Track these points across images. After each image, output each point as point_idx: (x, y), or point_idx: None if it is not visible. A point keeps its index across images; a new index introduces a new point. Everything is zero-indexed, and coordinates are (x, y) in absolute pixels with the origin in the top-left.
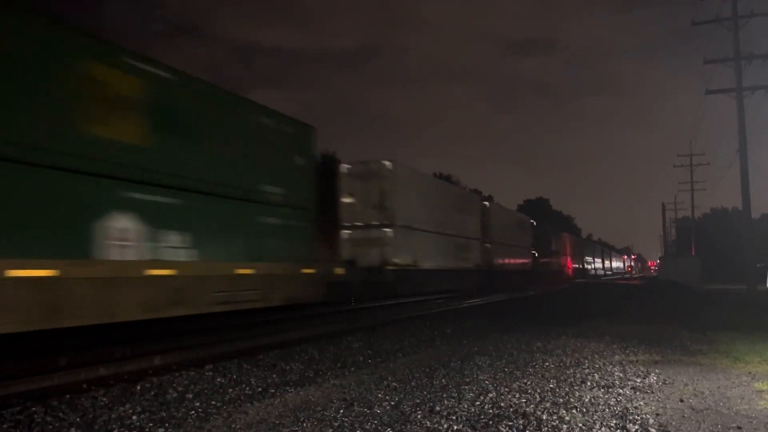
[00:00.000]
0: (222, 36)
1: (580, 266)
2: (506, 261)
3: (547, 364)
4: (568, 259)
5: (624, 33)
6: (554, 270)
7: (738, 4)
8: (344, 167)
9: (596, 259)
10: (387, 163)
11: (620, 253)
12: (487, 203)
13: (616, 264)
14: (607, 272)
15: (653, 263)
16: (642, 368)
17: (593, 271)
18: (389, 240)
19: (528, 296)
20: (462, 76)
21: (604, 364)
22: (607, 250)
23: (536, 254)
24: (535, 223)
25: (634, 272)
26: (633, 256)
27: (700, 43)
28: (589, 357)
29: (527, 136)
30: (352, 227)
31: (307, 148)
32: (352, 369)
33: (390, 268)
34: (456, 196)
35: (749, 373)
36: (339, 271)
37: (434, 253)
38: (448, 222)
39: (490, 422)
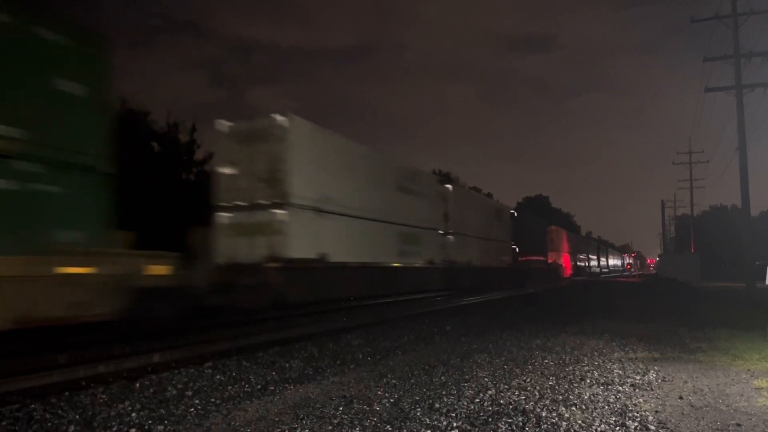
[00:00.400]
0: (219, 32)
1: (579, 264)
2: (474, 257)
3: (547, 361)
4: (565, 256)
5: (622, 30)
6: (543, 268)
7: (738, 2)
8: (223, 125)
9: (595, 257)
10: (280, 117)
11: (619, 250)
12: (449, 186)
13: (615, 261)
14: (606, 270)
15: (652, 261)
16: (641, 365)
17: (592, 269)
18: (281, 225)
19: (527, 294)
20: (460, 74)
21: (603, 361)
22: (606, 248)
23: (518, 250)
24: (515, 214)
25: (633, 270)
26: (632, 254)
27: (699, 40)
28: (589, 354)
29: (526, 134)
30: (233, 208)
31: (94, 71)
32: (352, 366)
33: (274, 265)
34: (399, 171)
35: (748, 370)
36: (156, 270)
37: (357, 244)
38: (384, 204)
39: (490, 419)
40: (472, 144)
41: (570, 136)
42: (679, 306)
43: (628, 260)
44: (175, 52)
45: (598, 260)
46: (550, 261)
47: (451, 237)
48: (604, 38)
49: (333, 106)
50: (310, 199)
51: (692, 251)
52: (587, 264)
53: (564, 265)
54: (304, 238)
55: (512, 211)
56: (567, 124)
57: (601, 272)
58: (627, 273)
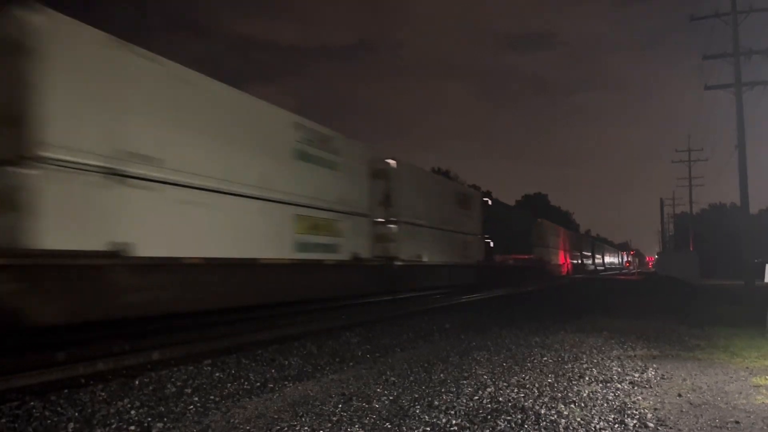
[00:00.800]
0: (217, 29)
1: (577, 261)
2: (428, 252)
3: (546, 359)
4: (561, 253)
5: (622, 27)
6: (526, 267)
7: (737, 0)
8: None
9: (593, 254)
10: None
11: (618, 248)
12: (392, 161)
13: (614, 259)
14: (605, 267)
15: (651, 258)
16: (640, 363)
17: (591, 267)
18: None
19: (526, 292)
20: (459, 71)
21: (602, 359)
22: (604, 246)
23: (492, 245)
24: (489, 202)
25: (632, 268)
26: (631, 252)
27: (698, 37)
28: (588, 352)
29: (525, 132)
30: None
31: None
32: (351, 364)
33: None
34: (301, 132)
35: (747, 368)
36: None
37: (201, 230)
38: (270, 176)
39: (489, 417)
40: (470, 141)
41: (569, 133)
42: (677, 304)
43: (626, 258)
44: (174, 49)
45: (596, 258)
46: (536, 258)
47: (393, 226)
48: (604, 35)
49: (331, 103)
50: (92, 153)
51: (691, 249)
52: (585, 262)
53: (560, 263)
54: (79, 216)
55: (485, 199)
56: (566, 121)
57: (599, 270)
58: (626, 271)
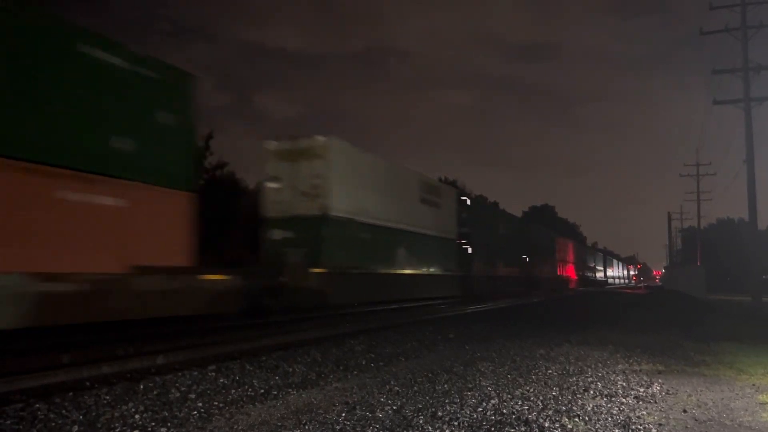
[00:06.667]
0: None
1: (584, 274)
2: (367, 257)
3: (550, 371)
4: (570, 267)
5: (629, 40)
6: (515, 278)
7: (747, 15)
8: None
9: (601, 267)
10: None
11: (625, 261)
12: (322, 137)
13: (621, 273)
14: (611, 281)
15: (658, 272)
16: (645, 378)
17: (597, 279)
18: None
19: (532, 303)
20: (465, 81)
21: (607, 372)
22: (611, 259)
23: (470, 250)
24: (468, 202)
25: (639, 281)
26: (638, 265)
27: (707, 52)
28: (593, 365)
29: (532, 143)
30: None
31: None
32: (355, 372)
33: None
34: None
35: (753, 384)
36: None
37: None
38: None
39: (493, 428)
40: (477, 152)
41: (576, 145)
42: (683, 318)
43: (633, 272)
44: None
45: (605, 271)
46: (536, 272)
47: (326, 227)
48: (611, 47)
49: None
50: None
51: (698, 264)
52: (592, 275)
53: (568, 276)
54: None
55: (463, 198)
56: (573, 133)
57: (606, 283)
58: (632, 284)
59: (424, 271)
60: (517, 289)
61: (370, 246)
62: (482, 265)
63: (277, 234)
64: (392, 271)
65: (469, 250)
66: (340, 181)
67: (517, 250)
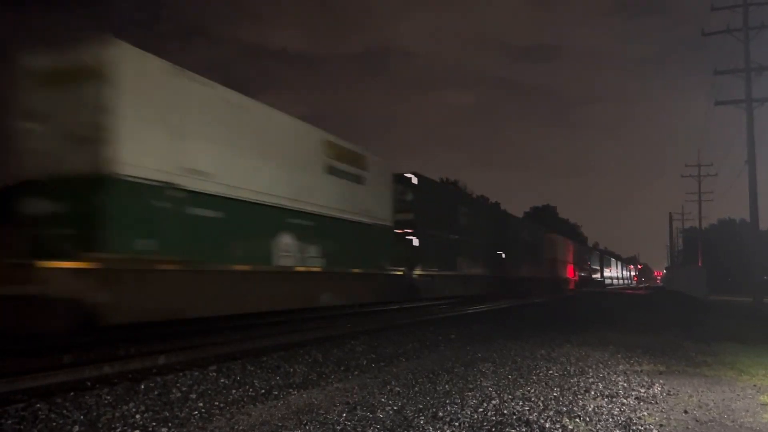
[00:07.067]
0: (228, 37)
1: (583, 274)
2: (225, 253)
3: (551, 372)
4: (570, 266)
5: (630, 40)
6: (496, 277)
7: (749, 15)
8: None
9: (601, 268)
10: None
11: (626, 262)
12: (100, 42)
13: (622, 273)
14: (612, 281)
15: (659, 273)
16: (646, 378)
17: (597, 280)
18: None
19: (533, 303)
20: (466, 82)
21: (608, 373)
22: (612, 259)
23: (416, 243)
24: (415, 181)
25: (639, 282)
26: (639, 266)
27: (709, 53)
28: (594, 366)
29: (534, 143)
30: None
31: None
32: (356, 372)
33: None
34: None
35: (754, 385)
36: None
37: None
38: None
39: (493, 429)
40: (477, 152)
41: (577, 145)
42: (684, 319)
43: (634, 272)
44: (185, 56)
45: (602, 271)
46: (517, 272)
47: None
48: (612, 47)
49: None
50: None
51: (700, 264)
52: (592, 275)
53: (565, 276)
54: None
55: (407, 175)
56: (574, 133)
57: (607, 284)
58: (633, 285)
59: (329, 268)
60: (485, 292)
61: (218, 229)
62: (434, 261)
63: (32, 206)
64: (263, 268)
65: (415, 242)
66: (143, 118)
67: (489, 246)
